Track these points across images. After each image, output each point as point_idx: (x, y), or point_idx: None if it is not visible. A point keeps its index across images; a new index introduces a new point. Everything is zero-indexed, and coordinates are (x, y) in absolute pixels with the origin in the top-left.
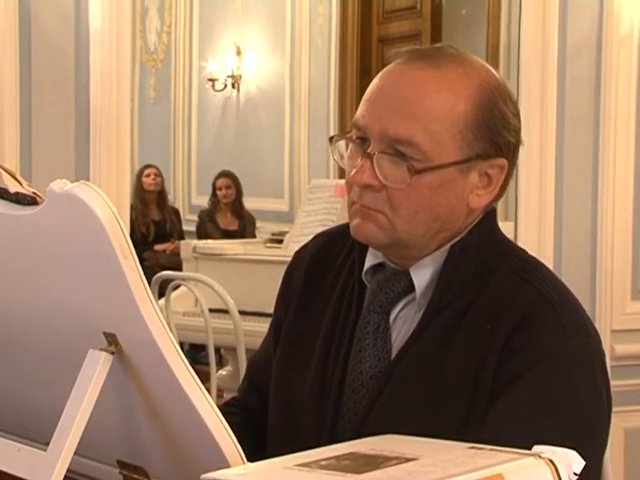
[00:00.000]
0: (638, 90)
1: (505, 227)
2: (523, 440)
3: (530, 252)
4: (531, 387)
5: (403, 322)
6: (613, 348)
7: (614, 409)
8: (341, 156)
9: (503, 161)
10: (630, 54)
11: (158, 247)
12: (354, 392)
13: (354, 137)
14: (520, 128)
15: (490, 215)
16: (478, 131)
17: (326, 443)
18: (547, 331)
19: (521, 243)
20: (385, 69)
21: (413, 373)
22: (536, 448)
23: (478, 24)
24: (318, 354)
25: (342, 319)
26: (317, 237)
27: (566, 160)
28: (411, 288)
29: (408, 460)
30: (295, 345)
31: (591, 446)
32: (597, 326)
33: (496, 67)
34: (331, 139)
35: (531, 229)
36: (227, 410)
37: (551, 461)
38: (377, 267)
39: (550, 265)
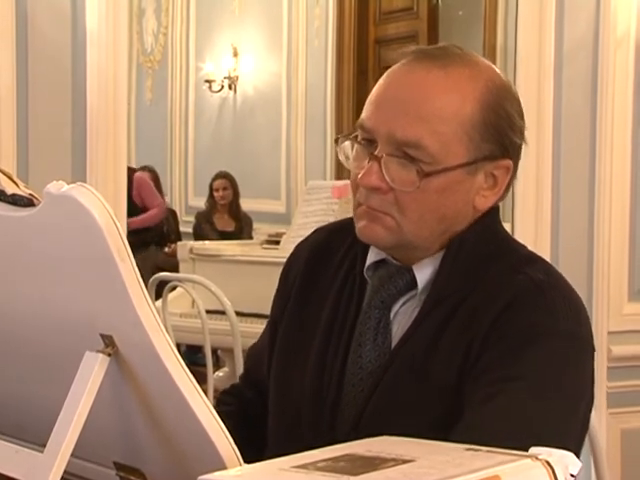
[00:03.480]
0: (635, 91)
1: None
2: (506, 418)
3: None
4: (517, 365)
5: (402, 317)
6: (610, 349)
7: (610, 410)
8: (347, 157)
9: (508, 162)
10: (626, 55)
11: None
12: (353, 387)
13: (360, 138)
14: (524, 128)
15: (492, 212)
16: (485, 132)
17: (325, 436)
18: (535, 313)
19: None
20: (390, 69)
21: (408, 364)
22: (533, 450)
23: (475, 25)
24: (317, 348)
25: (342, 313)
26: (317, 231)
27: (563, 161)
28: (413, 285)
29: (405, 462)
30: (294, 339)
31: (572, 423)
32: (594, 328)
33: None
34: (337, 140)
35: (528, 230)
36: (224, 399)
37: (548, 463)
38: (379, 263)
39: None
